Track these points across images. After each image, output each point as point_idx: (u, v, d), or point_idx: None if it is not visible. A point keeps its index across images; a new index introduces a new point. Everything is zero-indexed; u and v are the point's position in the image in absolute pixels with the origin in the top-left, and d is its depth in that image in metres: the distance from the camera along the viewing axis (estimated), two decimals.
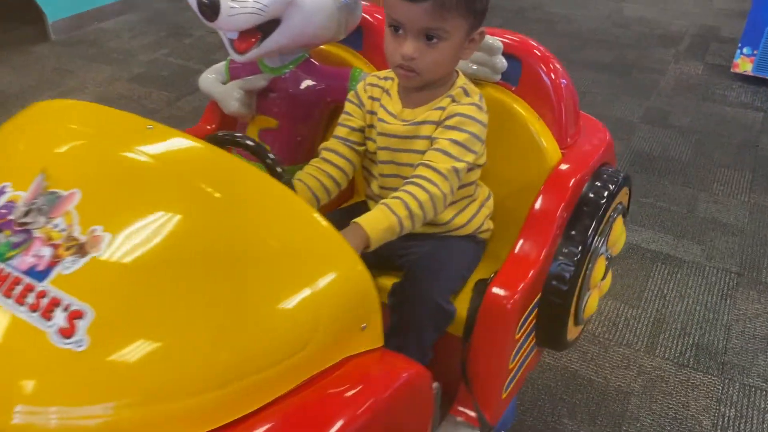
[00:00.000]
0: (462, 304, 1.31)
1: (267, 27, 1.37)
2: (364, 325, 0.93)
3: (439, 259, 1.30)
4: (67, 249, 0.82)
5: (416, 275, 1.26)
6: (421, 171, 1.16)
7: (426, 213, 1.15)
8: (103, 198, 0.88)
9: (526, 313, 1.35)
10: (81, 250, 0.82)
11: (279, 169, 1.12)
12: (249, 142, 1.13)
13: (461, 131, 1.17)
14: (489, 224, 1.41)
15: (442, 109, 1.20)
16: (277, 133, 1.54)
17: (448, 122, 1.18)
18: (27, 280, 0.81)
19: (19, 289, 0.81)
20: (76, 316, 0.78)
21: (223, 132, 1.15)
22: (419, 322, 1.25)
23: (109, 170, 0.90)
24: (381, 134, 1.28)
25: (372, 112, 1.30)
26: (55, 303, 0.79)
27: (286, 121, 1.53)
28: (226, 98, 1.52)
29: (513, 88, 1.47)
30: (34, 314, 0.79)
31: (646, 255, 2.44)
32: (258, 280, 0.86)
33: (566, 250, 1.36)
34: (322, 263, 0.90)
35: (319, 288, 0.88)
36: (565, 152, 1.45)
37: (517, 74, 1.45)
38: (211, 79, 1.59)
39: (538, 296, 1.38)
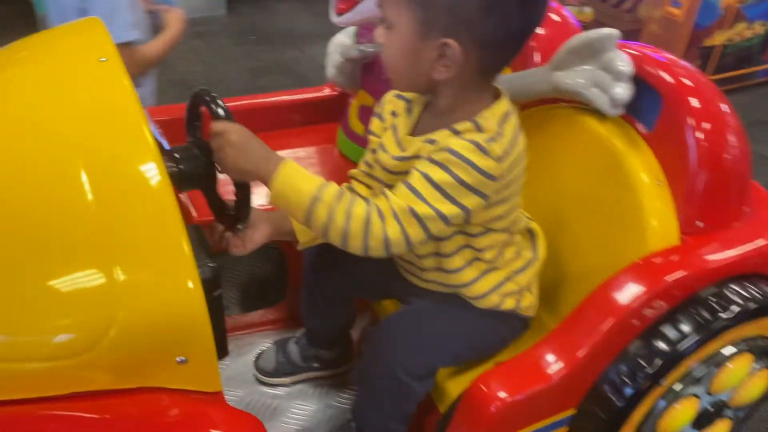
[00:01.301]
0: (463, 383, 1.01)
1: None
2: (182, 358, 0.73)
3: (422, 324, 1.00)
4: None
5: (386, 334, 0.98)
6: (378, 200, 0.86)
7: (348, 236, 0.84)
8: None
9: (541, 427, 0.99)
10: None
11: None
12: (220, 110, 0.85)
13: (443, 170, 0.83)
14: (512, 303, 1.02)
15: (434, 143, 0.87)
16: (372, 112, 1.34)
17: (435, 155, 0.84)
18: None
19: None
20: None
21: (210, 94, 0.88)
22: (375, 391, 0.99)
23: None
24: (377, 162, 0.98)
25: (388, 129, 0.99)
26: None
27: None
28: (328, 63, 1.37)
29: (644, 133, 1.07)
30: None
31: None
32: (54, 244, 0.71)
33: (621, 368, 0.96)
34: (145, 258, 0.71)
35: (129, 286, 0.70)
36: (686, 239, 1.02)
37: (654, 115, 1.05)
38: (337, 40, 1.44)
39: (571, 411, 1.01)
